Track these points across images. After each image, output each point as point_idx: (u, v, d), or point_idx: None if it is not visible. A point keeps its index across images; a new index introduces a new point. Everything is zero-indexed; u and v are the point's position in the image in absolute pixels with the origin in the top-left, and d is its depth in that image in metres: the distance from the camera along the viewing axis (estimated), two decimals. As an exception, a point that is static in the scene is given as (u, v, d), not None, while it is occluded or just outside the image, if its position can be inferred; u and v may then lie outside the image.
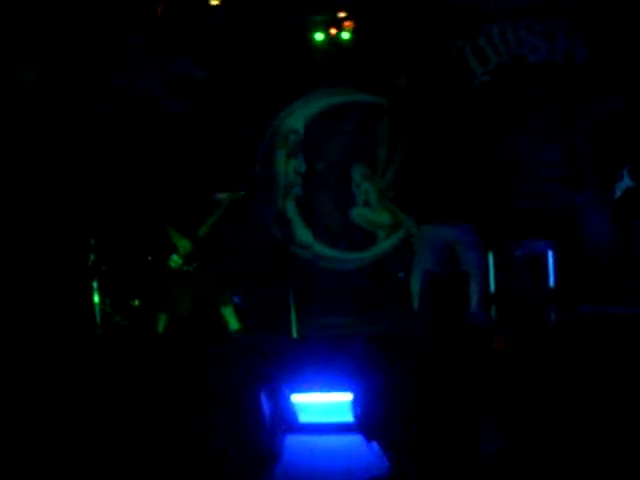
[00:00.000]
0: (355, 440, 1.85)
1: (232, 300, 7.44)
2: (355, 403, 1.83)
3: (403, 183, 9.44)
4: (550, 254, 8.77)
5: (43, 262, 8.46)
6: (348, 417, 1.85)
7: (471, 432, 1.79)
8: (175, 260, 6.96)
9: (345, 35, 9.75)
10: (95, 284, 8.01)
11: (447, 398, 1.74)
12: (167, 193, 7.06)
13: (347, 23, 9.60)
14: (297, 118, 10.55)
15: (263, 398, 4.13)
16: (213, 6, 9.34)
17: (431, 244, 7.60)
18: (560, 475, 1.68)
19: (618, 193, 8.05)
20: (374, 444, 1.80)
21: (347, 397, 1.76)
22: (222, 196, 7.09)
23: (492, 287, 8.91)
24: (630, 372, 2.90)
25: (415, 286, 7.64)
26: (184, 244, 6.96)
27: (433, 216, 7.54)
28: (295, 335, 7.07)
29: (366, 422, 1.81)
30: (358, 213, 10.51)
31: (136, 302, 8.30)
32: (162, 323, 7.15)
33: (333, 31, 9.76)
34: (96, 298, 7.98)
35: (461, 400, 1.76)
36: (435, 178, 7.55)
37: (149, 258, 8.15)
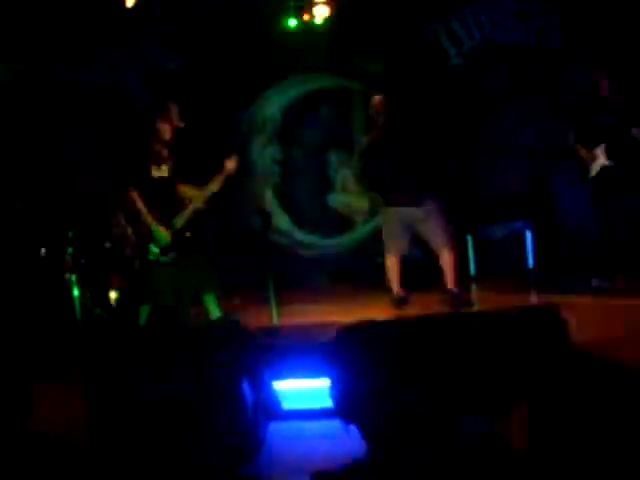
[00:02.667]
0: (339, 425, 1.85)
1: (217, 288, 7.37)
2: (333, 388, 1.83)
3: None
4: (528, 235, 8.82)
5: (20, 256, 8.40)
6: (330, 402, 1.86)
7: (451, 416, 1.80)
8: (152, 252, 6.93)
9: (318, 20, 9.71)
10: (74, 277, 7.97)
11: (427, 381, 1.75)
12: (144, 184, 6.99)
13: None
14: (273, 105, 10.53)
15: (245, 386, 4.13)
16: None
17: (398, 227, 7.57)
18: (545, 456, 1.69)
19: (593, 172, 8.09)
20: (353, 429, 1.81)
21: (329, 382, 1.77)
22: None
23: (472, 269, 8.97)
24: (610, 351, 2.92)
25: (391, 271, 7.63)
26: (163, 236, 6.93)
27: (404, 201, 7.46)
28: (275, 322, 7.06)
29: (344, 407, 1.81)
30: (336, 199, 10.52)
31: (115, 295, 8.26)
32: (144, 315, 7.11)
33: (306, 17, 9.71)
34: (75, 292, 7.94)
35: (440, 383, 1.77)
36: (410, 162, 7.50)
37: (128, 250, 8.13)
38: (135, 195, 6.90)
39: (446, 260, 7.40)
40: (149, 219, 6.91)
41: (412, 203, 7.43)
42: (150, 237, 6.94)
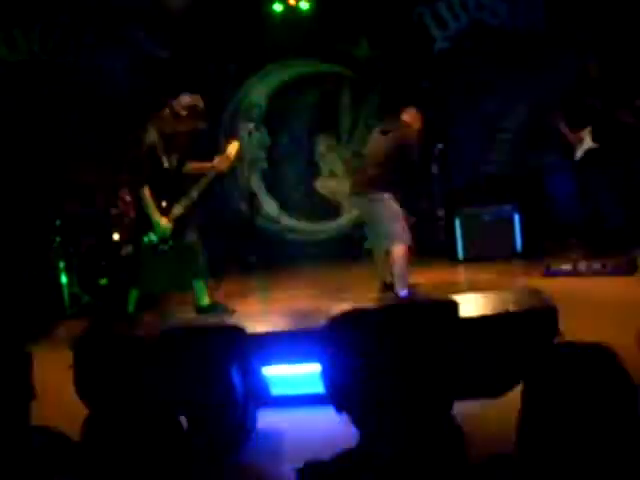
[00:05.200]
0: (328, 412, 1.85)
1: (206, 274, 7.29)
2: (324, 374, 1.82)
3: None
4: (517, 217, 8.81)
5: (8, 245, 8.36)
6: (320, 388, 1.84)
7: (443, 403, 1.79)
8: (152, 238, 6.82)
9: (304, 5, 9.68)
10: (62, 265, 7.95)
11: (418, 368, 1.74)
12: (154, 173, 6.90)
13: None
14: (259, 92, 10.51)
15: (234, 373, 4.12)
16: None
17: (362, 215, 7.49)
18: (536, 442, 1.69)
19: (579, 154, 8.10)
20: (344, 416, 1.80)
21: (318, 368, 1.75)
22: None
23: (460, 252, 8.96)
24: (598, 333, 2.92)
25: (376, 258, 7.58)
26: (163, 228, 6.80)
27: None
28: (264, 307, 7.05)
29: (336, 394, 1.80)
30: (324, 184, 10.51)
31: (103, 281, 8.23)
32: (133, 302, 7.06)
33: (292, 1, 9.68)
34: (64, 279, 7.92)
35: (433, 370, 1.76)
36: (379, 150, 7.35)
37: (115, 237, 8.11)
38: (147, 190, 6.78)
39: (391, 259, 7.02)
40: (155, 214, 6.78)
41: (359, 189, 7.22)
42: (150, 226, 6.82)
